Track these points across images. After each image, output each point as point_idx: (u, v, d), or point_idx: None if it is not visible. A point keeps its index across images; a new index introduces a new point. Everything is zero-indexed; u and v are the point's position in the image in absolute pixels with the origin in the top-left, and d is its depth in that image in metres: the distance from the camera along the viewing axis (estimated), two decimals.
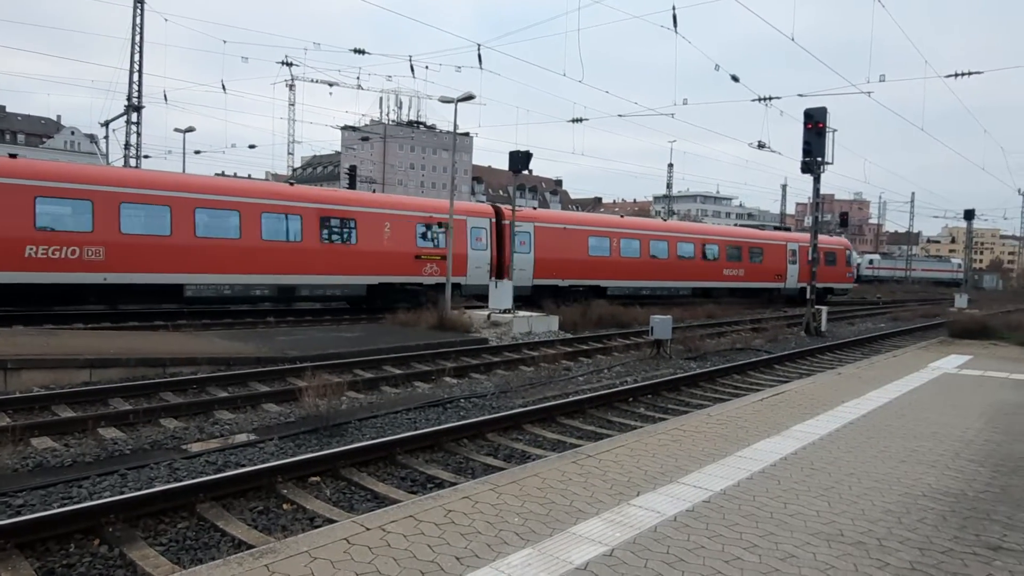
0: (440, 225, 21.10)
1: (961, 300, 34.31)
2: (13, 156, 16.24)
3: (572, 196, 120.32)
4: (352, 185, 38.55)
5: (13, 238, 15.35)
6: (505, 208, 23.96)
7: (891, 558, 3.86)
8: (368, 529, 4.05)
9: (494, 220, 23.79)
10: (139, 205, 17.08)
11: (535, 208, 30.32)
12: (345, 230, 20.41)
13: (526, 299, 22.73)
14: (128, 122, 32.73)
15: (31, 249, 15.55)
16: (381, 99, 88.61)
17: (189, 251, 17.53)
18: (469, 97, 18.90)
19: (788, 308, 30.78)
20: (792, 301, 33.00)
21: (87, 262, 16.24)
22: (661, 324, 14.77)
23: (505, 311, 18.48)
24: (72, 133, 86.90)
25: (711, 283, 30.81)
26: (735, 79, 21.47)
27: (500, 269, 23.10)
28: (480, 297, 22.02)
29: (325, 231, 19.92)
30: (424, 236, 21.84)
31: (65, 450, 6.90)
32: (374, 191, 40.27)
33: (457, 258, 21.48)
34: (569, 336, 17.54)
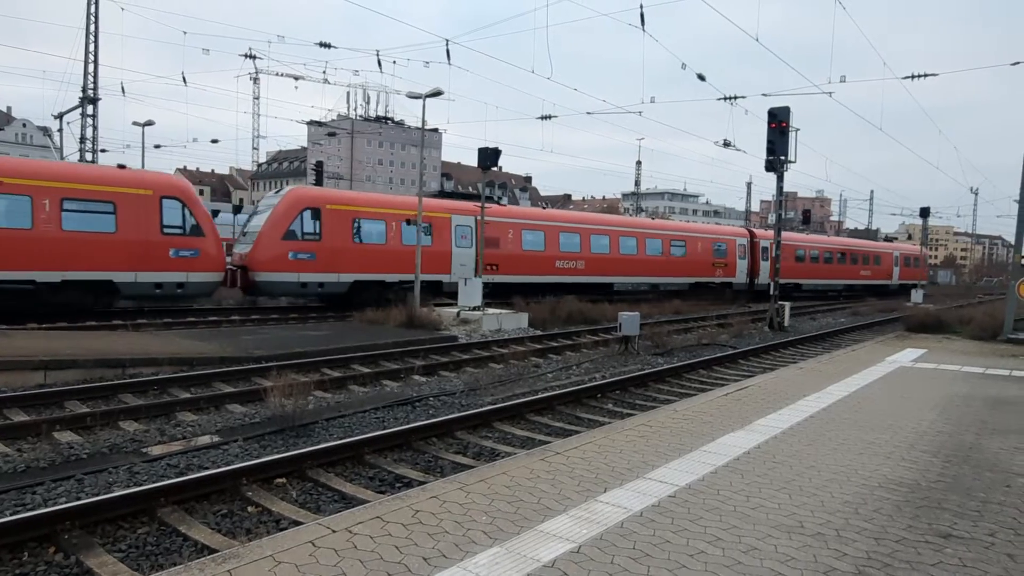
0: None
1: (917, 295, 35.50)
2: None
3: (542, 193, 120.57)
4: (319, 181, 38.03)
5: None
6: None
7: (848, 548, 3.98)
8: (334, 531, 4.00)
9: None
10: None
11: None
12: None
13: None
14: (83, 115, 31.66)
15: None
16: (348, 94, 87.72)
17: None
18: (437, 93, 18.81)
19: (753, 304, 31.39)
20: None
21: None
22: (629, 320, 14.93)
23: (475, 308, 18.46)
24: (24, 125, 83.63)
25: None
26: (701, 78, 21.80)
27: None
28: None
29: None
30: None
31: (18, 455, 6.66)
32: (336, 186, 39.93)
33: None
34: (539, 333, 17.61)
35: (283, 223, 19.20)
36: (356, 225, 20.40)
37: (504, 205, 27.50)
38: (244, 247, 19.51)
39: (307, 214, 19.58)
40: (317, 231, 19.64)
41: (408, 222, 21.02)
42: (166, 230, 17.06)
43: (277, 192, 20.87)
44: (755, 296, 33.67)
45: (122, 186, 16.67)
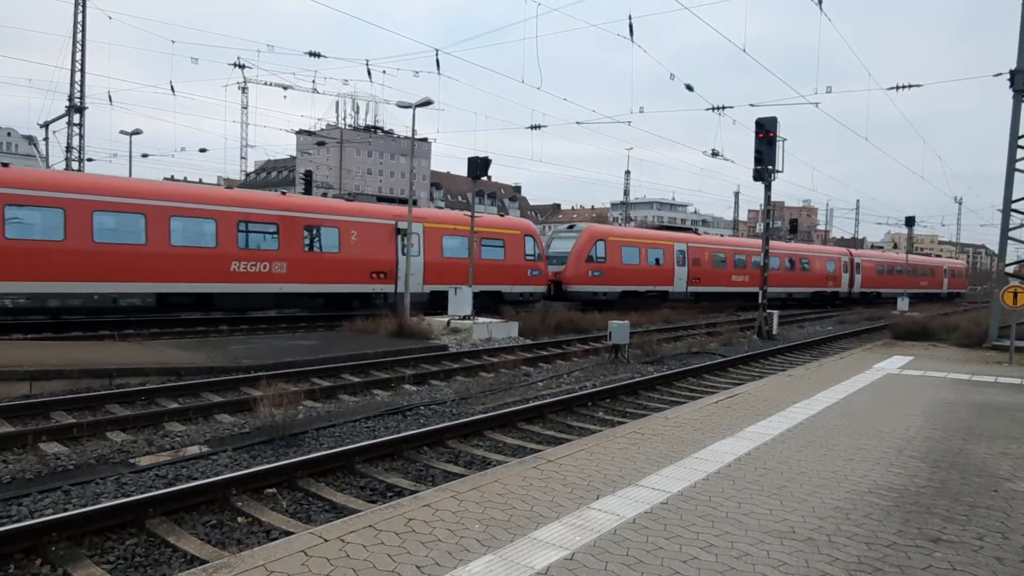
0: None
1: (903, 303, 35.86)
2: None
3: (531, 203, 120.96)
4: (308, 191, 37.91)
5: None
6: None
7: (840, 553, 4.01)
8: (327, 540, 3.98)
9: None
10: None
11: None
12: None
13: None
14: (70, 123, 31.38)
15: None
16: (337, 103, 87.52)
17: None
18: (427, 102, 18.85)
19: (741, 312, 31.66)
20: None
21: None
22: (619, 329, 14.98)
23: (465, 317, 18.44)
24: (8, 134, 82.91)
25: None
26: (689, 88, 22.02)
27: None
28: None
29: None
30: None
31: (3, 467, 6.57)
32: (325, 195, 40.34)
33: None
34: (529, 342, 17.61)
35: (585, 250, 27.03)
36: (623, 251, 28.33)
37: (700, 235, 35.77)
38: (556, 267, 26.80)
39: (599, 244, 27.47)
40: (604, 256, 27.51)
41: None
42: (527, 258, 25.17)
43: (570, 227, 29.96)
44: (851, 302, 42.82)
45: (507, 229, 25.18)
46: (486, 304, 22.50)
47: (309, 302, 20.24)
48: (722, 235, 53.38)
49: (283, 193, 21.51)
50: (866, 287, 44.70)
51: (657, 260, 29.77)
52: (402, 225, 20.81)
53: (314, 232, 19.77)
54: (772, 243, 38.28)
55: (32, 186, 15.13)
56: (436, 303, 21.36)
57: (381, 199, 24.30)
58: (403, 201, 22.87)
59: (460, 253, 22.15)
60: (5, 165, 15.68)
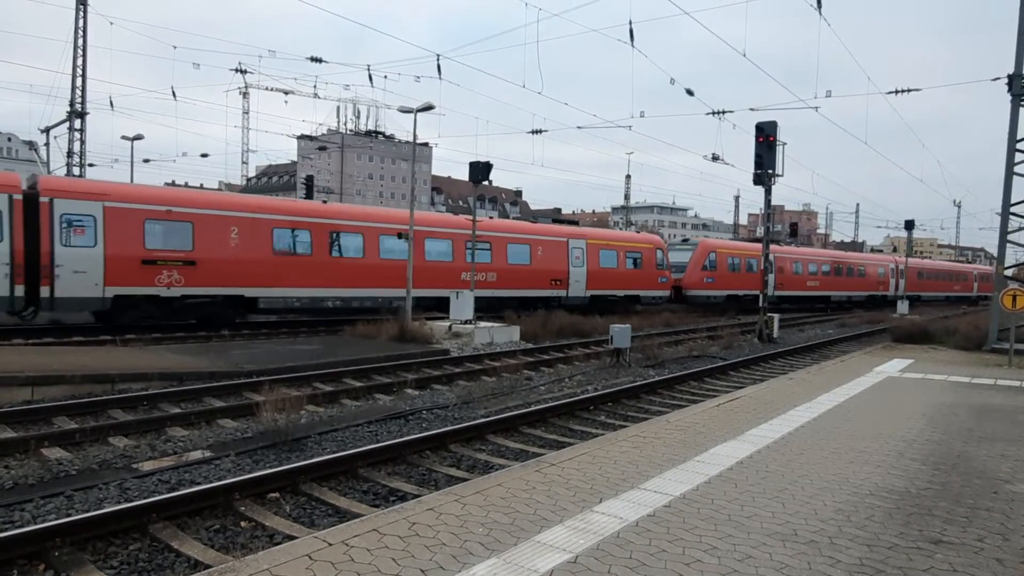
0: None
1: (903, 307, 35.86)
2: None
3: (532, 207, 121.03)
4: (309, 196, 37.98)
5: None
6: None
7: (842, 555, 4.02)
8: (331, 544, 3.99)
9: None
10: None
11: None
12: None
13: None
14: (71, 129, 31.46)
15: None
16: (338, 108, 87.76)
17: None
18: (428, 107, 18.91)
19: (743, 316, 31.80)
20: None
21: None
22: (620, 333, 14.99)
23: (466, 322, 18.46)
24: (9, 140, 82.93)
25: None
26: (690, 93, 22.07)
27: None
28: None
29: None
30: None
31: (5, 472, 6.58)
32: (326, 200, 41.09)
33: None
34: (530, 346, 17.63)
35: (700, 260, 32.44)
36: (729, 261, 33.71)
37: (782, 246, 40.41)
38: (677, 274, 31.50)
39: (712, 255, 33.03)
40: (715, 265, 32.91)
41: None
42: (657, 267, 30.24)
43: (684, 241, 36.25)
44: (893, 303, 46.00)
45: (643, 243, 30.45)
46: (627, 306, 28.78)
47: (509, 304, 24.42)
48: (727, 239, 56.61)
49: (491, 218, 29.61)
50: (910, 290, 49.76)
51: (751, 267, 34.79)
52: (573, 243, 27.09)
53: (514, 249, 24.90)
54: (837, 252, 48.99)
55: (347, 217, 21.04)
56: (596, 305, 27.14)
57: (556, 220, 32.70)
58: (573, 222, 32.82)
59: (611, 264, 28.49)
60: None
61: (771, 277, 35.14)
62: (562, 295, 26.34)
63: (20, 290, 15.21)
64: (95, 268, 16.01)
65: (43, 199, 15.52)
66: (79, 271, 15.76)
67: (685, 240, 36.27)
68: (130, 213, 16.66)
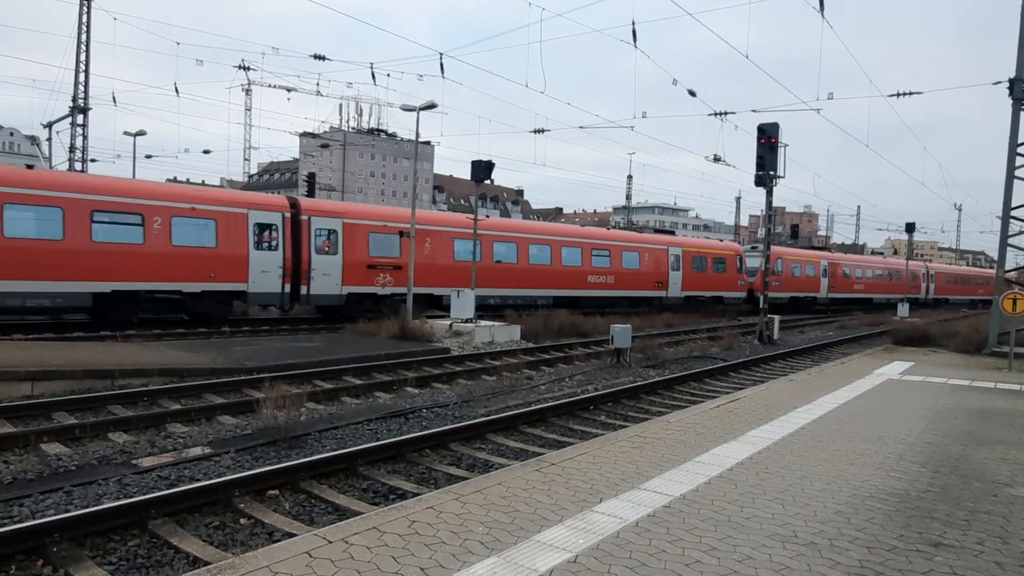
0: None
1: (903, 309, 35.85)
2: None
3: (534, 206, 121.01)
4: (311, 193, 37.98)
5: None
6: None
7: (842, 557, 4.01)
8: (330, 542, 3.99)
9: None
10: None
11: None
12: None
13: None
14: (73, 124, 31.46)
15: None
16: (341, 106, 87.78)
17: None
18: (431, 106, 18.90)
19: (742, 317, 31.93)
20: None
21: None
22: (621, 333, 14.99)
23: (467, 320, 18.45)
24: (11, 135, 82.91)
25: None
26: (692, 94, 22.04)
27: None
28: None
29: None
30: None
31: (4, 467, 6.58)
32: (329, 197, 41.13)
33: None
34: (531, 345, 17.63)
35: (771, 265, 31.80)
36: (792, 266, 37.38)
37: (834, 252, 46.39)
38: (751, 278, 34.41)
39: (779, 260, 35.88)
40: (781, 269, 36.09)
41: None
42: (738, 271, 34.50)
43: (753, 247, 37.38)
44: (926, 305, 50.69)
45: (726, 251, 34.80)
46: (711, 307, 32.56)
47: (624, 303, 28.80)
48: (722, 239, 57.53)
49: (607, 228, 33.53)
50: (938, 294, 55.51)
51: (807, 272, 38.97)
52: (672, 250, 31.23)
53: (628, 256, 29.06)
54: (875, 259, 53.32)
55: (424, 221, 22.39)
56: (690, 304, 31.29)
57: (657, 231, 35.72)
58: (670, 232, 36.44)
59: (701, 268, 32.76)
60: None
61: (825, 280, 41.12)
62: (663, 295, 30.94)
63: (288, 288, 19.16)
64: (336, 271, 19.96)
65: (303, 217, 19.45)
66: (326, 274, 19.74)
67: (754, 247, 38.45)
68: (360, 228, 20.63)
